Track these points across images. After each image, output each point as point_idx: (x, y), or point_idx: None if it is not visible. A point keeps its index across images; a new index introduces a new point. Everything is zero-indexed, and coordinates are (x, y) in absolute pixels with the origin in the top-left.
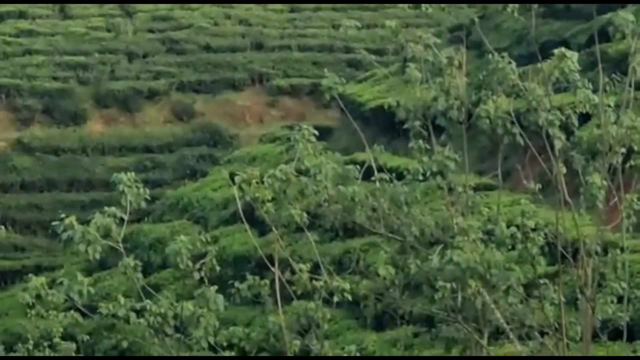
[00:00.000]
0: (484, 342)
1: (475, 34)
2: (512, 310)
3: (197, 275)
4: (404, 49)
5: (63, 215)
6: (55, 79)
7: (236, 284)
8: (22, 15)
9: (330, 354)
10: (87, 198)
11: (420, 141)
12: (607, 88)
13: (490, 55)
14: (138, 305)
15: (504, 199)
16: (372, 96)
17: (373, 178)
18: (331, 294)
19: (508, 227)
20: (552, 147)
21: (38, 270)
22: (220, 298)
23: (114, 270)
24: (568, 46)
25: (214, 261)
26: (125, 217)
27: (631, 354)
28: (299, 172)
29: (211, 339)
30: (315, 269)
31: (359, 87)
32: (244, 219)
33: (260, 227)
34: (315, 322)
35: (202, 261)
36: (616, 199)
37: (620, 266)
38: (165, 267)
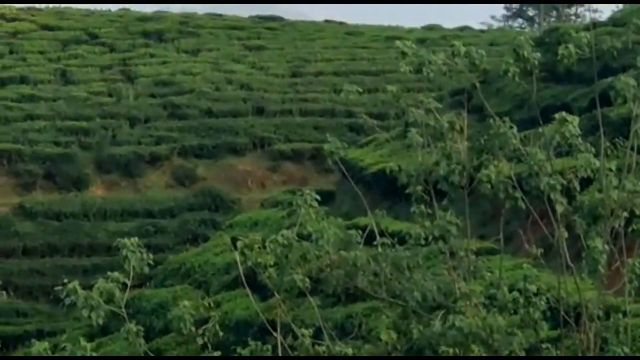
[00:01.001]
0: None
1: (476, 98)
2: None
3: (200, 341)
4: (406, 114)
5: (65, 280)
6: (56, 144)
7: (238, 349)
8: (23, 80)
9: None
10: (89, 263)
11: (422, 206)
12: (609, 152)
13: (491, 120)
14: None
15: (506, 264)
16: (374, 160)
17: (375, 243)
18: None
19: (510, 291)
20: (553, 211)
21: (40, 335)
22: None
23: (116, 335)
24: (569, 110)
25: (217, 326)
26: (128, 282)
27: None
28: (301, 237)
29: None
30: (317, 334)
31: (360, 152)
32: (245, 284)
33: (262, 292)
34: None
35: (204, 326)
36: (618, 263)
37: (622, 330)
38: (168, 332)
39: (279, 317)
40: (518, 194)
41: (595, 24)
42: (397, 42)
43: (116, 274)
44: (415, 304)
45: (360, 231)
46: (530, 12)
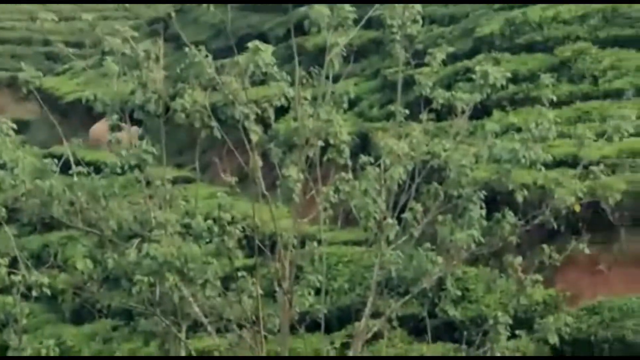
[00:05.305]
0: (182, 335)
1: (173, 27)
2: (210, 304)
3: None
4: (102, 42)
5: None
6: None
7: None
8: None
9: (28, 349)
10: None
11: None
12: (304, 81)
13: (187, 49)
14: None
15: (202, 192)
16: (70, 89)
17: (71, 172)
18: (29, 289)
19: (205, 220)
20: (249, 140)
21: None
22: None
23: None
24: (266, 39)
25: None
26: None
27: (329, 346)
28: None
29: None
30: (13, 263)
31: (57, 80)
32: None
33: None
34: (13, 316)
35: None
36: (313, 191)
37: (317, 259)
38: None
39: None
40: (213, 123)
41: None
42: None
43: None
44: (110, 233)
45: (56, 160)
46: None
